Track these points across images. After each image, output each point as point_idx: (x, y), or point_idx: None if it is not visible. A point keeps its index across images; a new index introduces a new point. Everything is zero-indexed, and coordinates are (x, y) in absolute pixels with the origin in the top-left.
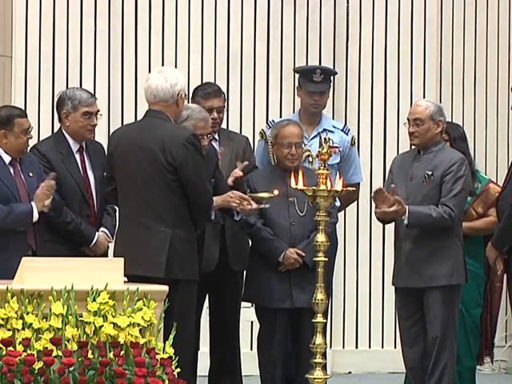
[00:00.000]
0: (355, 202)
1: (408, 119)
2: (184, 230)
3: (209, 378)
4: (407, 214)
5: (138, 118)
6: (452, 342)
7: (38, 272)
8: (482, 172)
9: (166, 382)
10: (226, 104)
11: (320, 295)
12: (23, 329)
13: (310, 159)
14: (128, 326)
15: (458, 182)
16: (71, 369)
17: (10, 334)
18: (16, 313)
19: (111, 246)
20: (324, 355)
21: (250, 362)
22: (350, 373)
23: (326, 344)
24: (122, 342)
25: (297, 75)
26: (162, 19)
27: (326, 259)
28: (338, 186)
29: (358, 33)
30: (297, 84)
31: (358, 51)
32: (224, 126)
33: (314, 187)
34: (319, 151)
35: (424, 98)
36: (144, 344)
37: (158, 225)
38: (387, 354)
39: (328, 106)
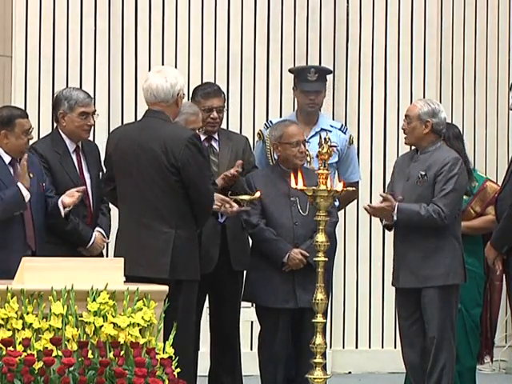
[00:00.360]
0: (355, 202)
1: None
2: (186, 230)
3: (209, 378)
4: (396, 210)
5: (138, 118)
6: (450, 342)
7: (38, 272)
8: (479, 171)
9: (166, 382)
10: (225, 104)
11: (320, 295)
12: (23, 329)
13: (308, 159)
14: (128, 326)
15: (450, 181)
16: (71, 369)
17: (9, 333)
18: (16, 313)
19: (108, 245)
20: (324, 355)
21: (250, 362)
22: (350, 373)
23: (325, 344)
24: (122, 342)
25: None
26: (162, 20)
27: (326, 259)
28: (338, 186)
29: (358, 33)
30: (292, 84)
31: (358, 51)
32: (224, 126)
33: (314, 187)
34: (319, 151)
35: (424, 97)
36: (144, 344)
37: (160, 225)
38: (387, 354)
39: (328, 106)
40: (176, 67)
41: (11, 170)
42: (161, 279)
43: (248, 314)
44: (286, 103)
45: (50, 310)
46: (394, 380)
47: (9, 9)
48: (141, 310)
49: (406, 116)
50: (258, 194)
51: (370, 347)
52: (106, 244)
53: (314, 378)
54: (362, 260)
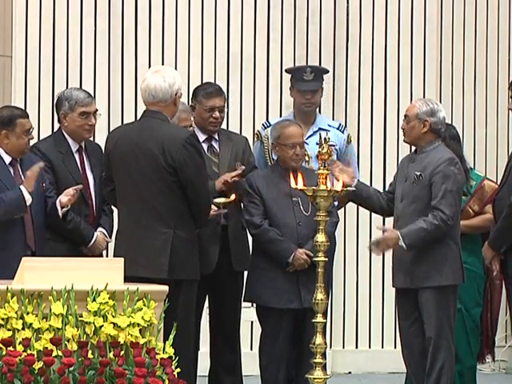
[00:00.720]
0: None
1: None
2: (185, 230)
3: (209, 378)
4: (400, 237)
5: (138, 118)
6: (449, 341)
7: (38, 272)
8: (477, 170)
9: (166, 382)
10: (226, 104)
11: (320, 295)
12: (23, 329)
13: (307, 158)
14: (128, 326)
15: (447, 182)
16: (71, 369)
17: (9, 334)
18: (16, 313)
19: (109, 246)
20: (324, 355)
21: (250, 362)
22: (350, 373)
23: (325, 344)
24: (122, 342)
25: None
26: (162, 20)
27: (326, 259)
28: (338, 186)
29: (358, 33)
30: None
31: (358, 51)
32: (224, 126)
33: (314, 187)
34: (319, 151)
35: (424, 97)
36: (144, 344)
37: (159, 226)
38: (387, 354)
39: (328, 106)
40: (176, 67)
41: (11, 171)
42: (159, 279)
43: (248, 313)
44: (285, 102)
45: (50, 310)
46: (394, 380)
47: (9, 9)
48: (141, 310)
49: (405, 116)
50: (233, 197)
51: (369, 347)
52: (107, 244)
53: (314, 378)
54: (361, 260)
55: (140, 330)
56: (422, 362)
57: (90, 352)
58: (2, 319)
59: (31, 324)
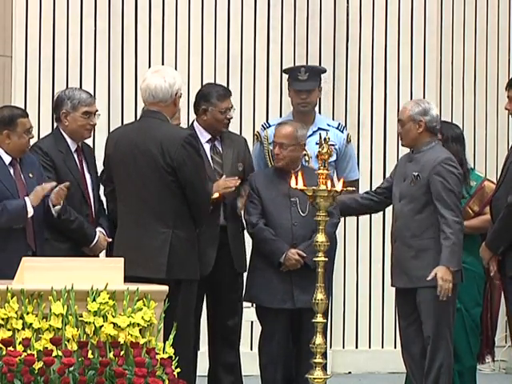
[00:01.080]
0: None
1: None
2: (184, 230)
3: (208, 378)
4: (445, 267)
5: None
6: (447, 341)
7: (38, 272)
8: (478, 171)
9: (166, 382)
10: None
11: (320, 295)
12: (23, 329)
13: (307, 158)
14: (128, 326)
15: (446, 181)
16: (71, 369)
17: (9, 334)
18: (16, 313)
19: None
20: (324, 355)
21: (250, 362)
22: (349, 373)
23: (326, 344)
24: (122, 342)
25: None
26: (162, 20)
27: (326, 259)
28: (338, 186)
29: (357, 33)
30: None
31: (358, 51)
32: None
33: (314, 187)
34: (319, 151)
35: (424, 97)
36: (144, 344)
37: (158, 225)
38: (387, 354)
39: (328, 106)
40: (176, 67)
41: (11, 171)
42: (158, 279)
43: (248, 314)
44: (285, 103)
45: (50, 310)
46: (394, 380)
47: (9, 9)
48: (141, 310)
49: (398, 120)
50: (216, 195)
51: (370, 347)
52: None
53: (314, 378)
54: (361, 260)
55: (140, 330)
56: (421, 362)
57: (90, 352)
58: (2, 319)
59: (31, 324)
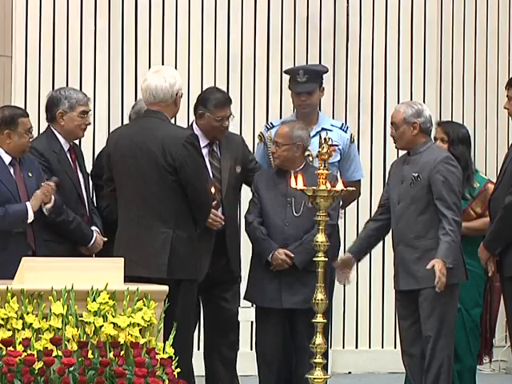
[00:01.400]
0: (355, 202)
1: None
2: (185, 230)
3: (206, 378)
4: (442, 263)
5: None
6: (447, 341)
7: (38, 272)
8: (481, 172)
9: (166, 382)
10: None
11: (320, 295)
12: (23, 329)
13: (311, 159)
14: (128, 326)
15: (446, 181)
16: (71, 369)
17: (9, 334)
18: (16, 313)
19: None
20: (325, 355)
21: (250, 362)
22: (349, 373)
23: (326, 344)
24: (122, 342)
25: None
26: (162, 20)
27: (326, 259)
28: (338, 186)
29: (358, 33)
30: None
31: (358, 51)
32: None
33: (314, 187)
34: (319, 151)
35: (424, 97)
36: (144, 344)
37: (159, 225)
38: (387, 354)
39: (328, 105)
40: (176, 67)
41: (11, 170)
42: (159, 279)
43: (248, 314)
44: (286, 104)
45: (50, 310)
46: (394, 380)
47: (9, 9)
48: (141, 310)
49: (391, 123)
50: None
51: (370, 347)
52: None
53: (314, 378)
54: (361, 260)
55: (140, 330)
56: (421, 363)
57: (90, 352)
58: (2, 319)
59: (31, 324)
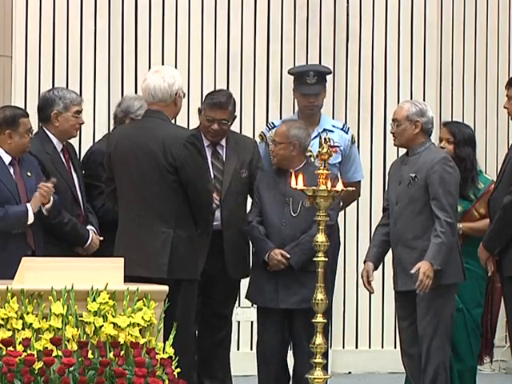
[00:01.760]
0: (355, 202)
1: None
2: (185, 229)
3: (198, 375)
4: (429, 265)
5: None
6: (444, 341)
7: (38, 272)
8: (485, 174)
9: (166, 382)
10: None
11: (320, 295)
12: (23, 329)
13: (312, 159)
14: (128, 326)
15: (443, 181)
16: (71, 369)
17: (9, 334)
18: (16, 313)
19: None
20: (325, 355)
21: (249, 362)
22: (349, 373)
23: (326, 344)
24: (122, 342)
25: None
26: (162, 20)
27: (326, 259)
28: (338, 186)
29: (358, 33)
30: (292, 86)
31: (358, 51)
32: None
33: (314, 187)
34: (319, 151)
35: (424, 97)
36: (144, 344)
37: (159, 225)
38: (387, 354)
39: (328, 105)
40: (176, 67)
41: (11, 170)
42: (159, 279)
43: (248, 314)
44: (286, 103)
45: (50, 310)
46: (394, 380)
47: (9, 9)
48: (141, 310)
49: (393, 120)
50: None
51: (370, 347)
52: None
53: (314, 378)
54: (362, 260)
55: (140, 330)
56: (420, 362)
57: (90, 352)
58: (2, 319)
59: (31, 324)
